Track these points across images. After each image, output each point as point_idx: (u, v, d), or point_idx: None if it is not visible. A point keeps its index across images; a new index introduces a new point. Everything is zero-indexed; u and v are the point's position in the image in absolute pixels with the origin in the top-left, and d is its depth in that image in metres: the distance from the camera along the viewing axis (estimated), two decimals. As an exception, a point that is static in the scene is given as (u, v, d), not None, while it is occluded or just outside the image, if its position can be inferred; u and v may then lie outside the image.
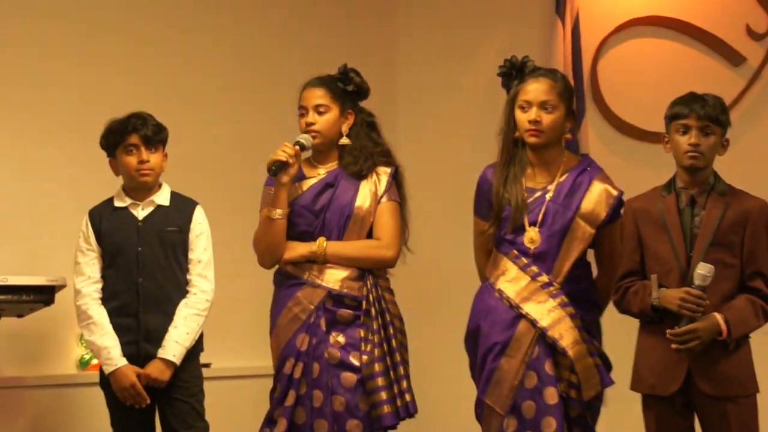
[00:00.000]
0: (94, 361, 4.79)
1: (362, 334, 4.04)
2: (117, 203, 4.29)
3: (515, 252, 3.90)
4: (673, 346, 3.72)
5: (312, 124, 4.03)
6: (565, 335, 3.83)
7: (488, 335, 3.90)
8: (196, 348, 4.25)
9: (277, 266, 4.16)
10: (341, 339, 4.04)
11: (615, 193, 3.91)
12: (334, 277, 4.04)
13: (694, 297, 3.68)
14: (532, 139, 3.89)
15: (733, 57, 5.34)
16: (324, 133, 4.06)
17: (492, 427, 3.87)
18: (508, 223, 3.90)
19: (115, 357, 4.17)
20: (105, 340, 4.19)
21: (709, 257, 3.72)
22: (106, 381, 4.21)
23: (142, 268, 4.16)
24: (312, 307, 4.02)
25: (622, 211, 3.95)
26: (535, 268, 3.87)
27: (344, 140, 4.10)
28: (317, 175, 4.12)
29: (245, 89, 5.56)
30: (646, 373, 3.82)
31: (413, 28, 5.83)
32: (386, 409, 3.99)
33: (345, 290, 4.02)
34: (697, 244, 3.77)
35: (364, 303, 4.05)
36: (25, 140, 4.91)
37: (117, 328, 4.21)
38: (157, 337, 4.15)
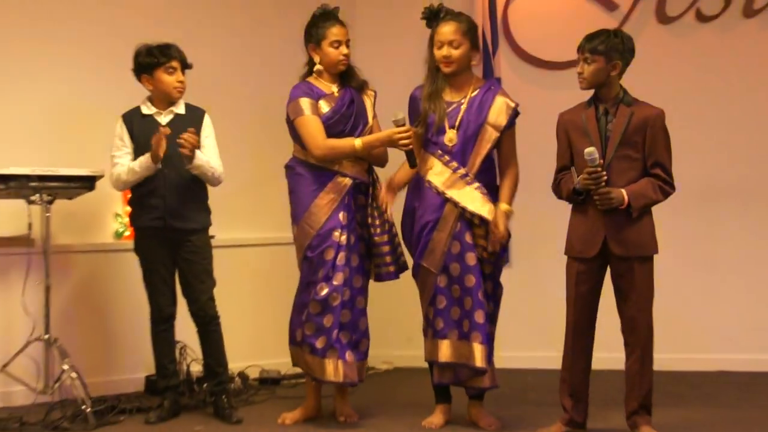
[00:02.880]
0: (127, 233, 5.04)
1: (369, 212, 4.29)
2: (144, 111, 4.43)
3: (440, 151, 4.15)
4: (598, 204, 3.87)
5: (348, 54, 4.25)
6: (481, 207, 4.11)
7: (422, 215, 4.17)
8: (206, 223, 4.47)
9: (293, 163, 4.30)
10: (359, 217, 4.31)
11: (512, 104, 4.17)
12: (355, 169, 4.26)
13: (589, 174, 3.86)
14: (445, 69, 4.13)
15: (608, 4, 5.59)
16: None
17: (428, 284, 4.19)
18: (433, 127, 4.14)
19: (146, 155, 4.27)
20: (133, 163, 4.33)
21: (619, 153, 3.91)
22: (138, 246, 4.48)
23: (166, 161, 4.30)
24: (345, 192, 4.23)
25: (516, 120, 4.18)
26: (454, 163, 4.13)
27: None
28: (331, 91, 4.27)
29: (247, 22, 5.56)
30: (575, 241, 4.01)
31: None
32: (392, 268, 4.32)
33: (362, 178, 4.27)
34: (609, 143, 3.92)
35: (370, 189, 4.30)
36: (72, 65, 5.05)
37: (147, 207, 4.38)
38: (178, 214, 4.36)
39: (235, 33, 5.55)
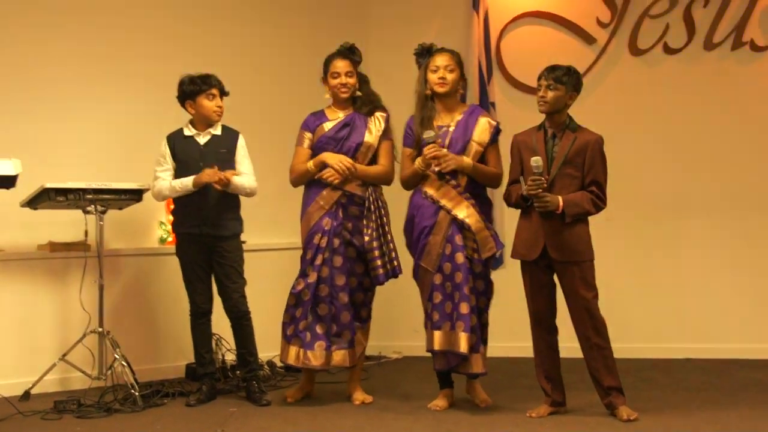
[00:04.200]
0: (170, 239, 5.24)
1: (365, 222, 4.47)
2: (186, 132, 4.64)
3: None
4: (536, 207, 4.00)
5: (346, 84, 4.50)
6: (468, 215, 4.28)
7: (420, 222, 4.37)
8: (237, 230, 4.63)
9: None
10: (350, 225, 4.50)
11: (494, 123, 4.41)
12: (347, 184, 4.47)
13: (532, 179, 4.04)
14: (440, 89, 4.31)
15: (587, 38, 5.86)
16: (351, 89, 4.54)
17: (426, 281, 4.38)
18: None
19: (189, 177, 4.46)
20: (175, 182, 4.52)
21: (562, 171, 4.07)
22: (179, 250, 4.66)
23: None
24: (333, 201, 4.47)
25: (499, 137, 4.37)
26: (448, 176, 4.33)
27: (358, 93, 4.58)
28: (337, 117, 4.56)
29: (275, 60, 5.82)
30: (519, 245, 4.19)
31: (383, 20, 6.10)
32: (380, 271, 4.48)
33: (354, 191, 4.47)
34: (554, 163, 4.09)
35: (366, 202, 4.48)
36: (124, 94, 5.28)
37: (186, 216, 4.58)
38: (213, 222, 4.55)
39: (265, 69, 5.80)
